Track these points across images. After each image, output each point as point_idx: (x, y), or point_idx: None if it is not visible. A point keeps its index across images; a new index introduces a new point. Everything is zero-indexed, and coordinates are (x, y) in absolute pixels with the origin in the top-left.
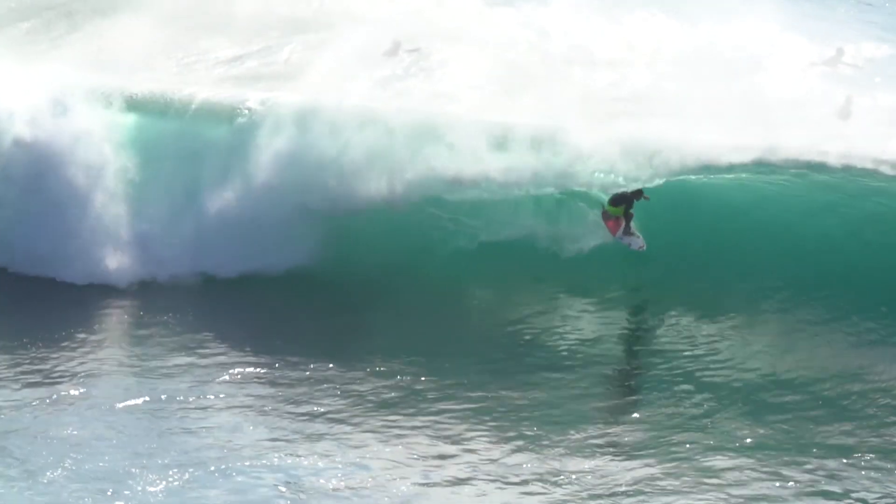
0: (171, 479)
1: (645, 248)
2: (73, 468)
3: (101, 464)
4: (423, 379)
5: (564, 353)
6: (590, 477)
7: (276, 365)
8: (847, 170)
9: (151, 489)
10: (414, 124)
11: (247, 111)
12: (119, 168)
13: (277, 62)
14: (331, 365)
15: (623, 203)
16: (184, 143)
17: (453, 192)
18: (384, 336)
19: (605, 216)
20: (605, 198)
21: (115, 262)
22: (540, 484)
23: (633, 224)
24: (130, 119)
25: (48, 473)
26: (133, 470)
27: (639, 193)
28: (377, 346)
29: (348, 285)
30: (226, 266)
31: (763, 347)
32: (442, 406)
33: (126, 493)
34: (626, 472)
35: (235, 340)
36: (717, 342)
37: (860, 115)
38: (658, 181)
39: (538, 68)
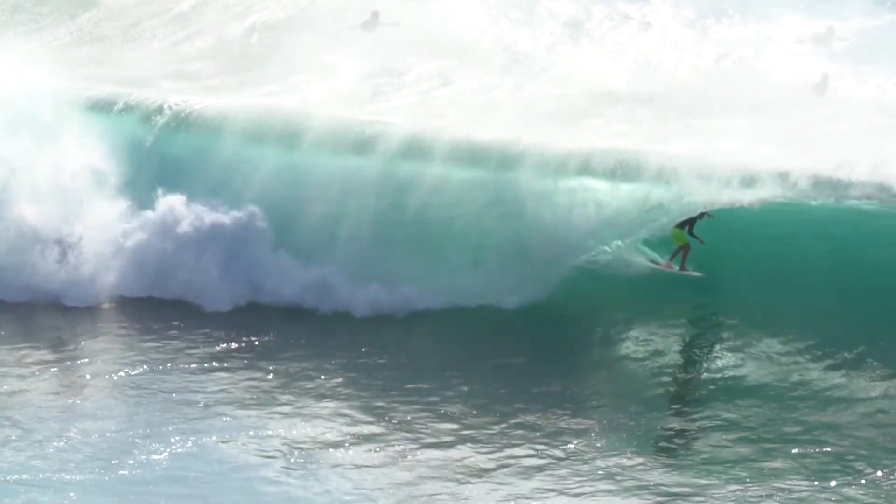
0: (174, 449)
1: (702, 274)
2: (78, 438)
3: (105, 434)
4: (430, 359)
5: (572, 342)
6: (597, 459)
7: (283, 338)
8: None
9: (155, 458)
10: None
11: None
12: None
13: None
14: (340, 339)
15: (686, 225)
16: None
17: None
18: (392, 324)
19: (655, 263)
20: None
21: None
22: (541, 461)
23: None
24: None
25: (53, 443)
26: (136, 440)
27: (701, 214)
28: (385, 330)
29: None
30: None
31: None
32: (448, 385)
33: (130, 462)
34: (632, 453)
35: (241, 316)
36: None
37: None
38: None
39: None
